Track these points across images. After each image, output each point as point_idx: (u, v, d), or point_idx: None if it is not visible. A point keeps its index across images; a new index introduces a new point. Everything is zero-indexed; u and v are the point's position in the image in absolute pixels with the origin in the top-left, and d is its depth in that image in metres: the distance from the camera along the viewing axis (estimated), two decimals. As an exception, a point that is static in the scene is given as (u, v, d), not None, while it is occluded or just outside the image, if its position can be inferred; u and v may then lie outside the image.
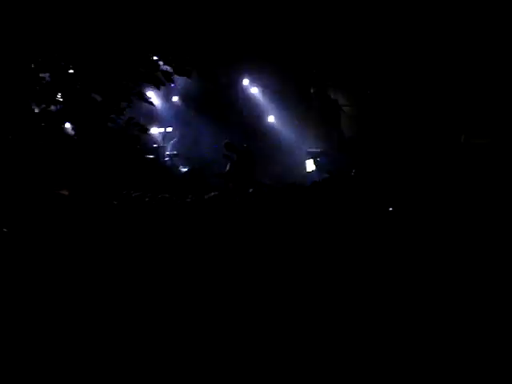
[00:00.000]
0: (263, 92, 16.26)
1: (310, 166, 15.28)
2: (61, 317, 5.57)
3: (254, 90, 16.59)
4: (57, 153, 7.45)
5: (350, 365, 4.73)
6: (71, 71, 7.67)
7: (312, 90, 15.77)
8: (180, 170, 15.30)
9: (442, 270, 6.16)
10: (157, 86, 7.95)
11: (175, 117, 17.14)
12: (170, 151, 16.23)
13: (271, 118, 16.64)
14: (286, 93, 15.81)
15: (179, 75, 7.90)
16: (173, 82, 8.10)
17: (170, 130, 17.30)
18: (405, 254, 6.60)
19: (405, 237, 7.03)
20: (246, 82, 16.50)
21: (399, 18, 12.09)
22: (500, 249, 6.37)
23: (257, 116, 16.74)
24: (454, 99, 11.81)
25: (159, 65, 7.85)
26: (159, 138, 16.72)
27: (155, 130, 16.70)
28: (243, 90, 16.72)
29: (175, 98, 17.02)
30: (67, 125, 8.03)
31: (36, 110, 7.70)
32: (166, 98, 16.93)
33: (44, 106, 7.60)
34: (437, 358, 4.67)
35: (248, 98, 16.71)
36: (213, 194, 8.56)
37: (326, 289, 6.06)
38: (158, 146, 15.96)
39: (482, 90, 11.54)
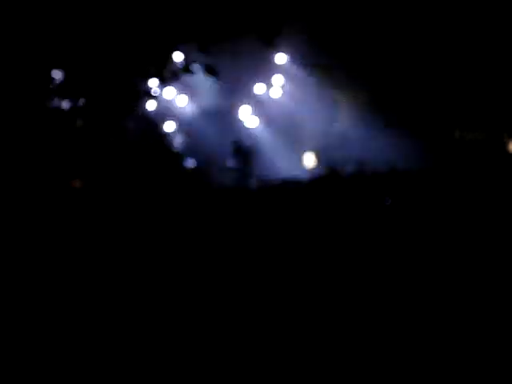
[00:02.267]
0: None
1: (310, 161, 15.14)
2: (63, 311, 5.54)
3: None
4: (69, 147, 7.66)
5: (349, 364, 4.68)
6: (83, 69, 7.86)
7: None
8: (185, 166, 15.32)
9: (438, 266, 6.15)
10: (163, 81, 8.18)
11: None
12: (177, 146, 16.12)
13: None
14: None
15: (187, 72, 8.12)
16: (178, 78, 8.32)
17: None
18: (403, 249, 6.65)
19: (402, 232, 7.13)
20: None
21: (394, 14, 12.14)
22: (498, 243, 6.39)
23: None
24: (448, 94, 11.82)
25: (166, 63, 8.07)
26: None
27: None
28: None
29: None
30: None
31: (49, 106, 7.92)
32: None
33: (57, 102, 7.83)
34: (437, 358, 4.63)
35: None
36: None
37: (324, 285, 6.04)
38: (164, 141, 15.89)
39: (477, 85, 11.55)
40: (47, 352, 4.96)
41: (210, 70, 8.64)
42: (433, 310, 5.39)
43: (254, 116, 16.55)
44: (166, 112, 16.07)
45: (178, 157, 14.04)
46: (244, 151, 15.07)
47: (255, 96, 16.73)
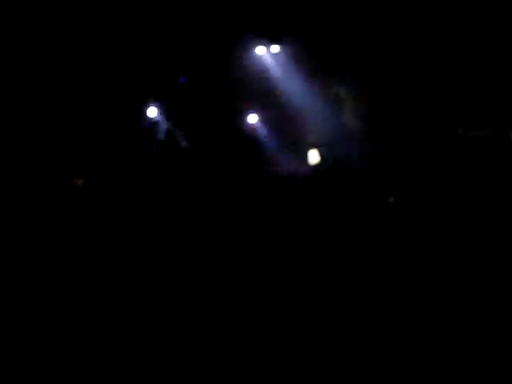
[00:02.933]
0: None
1: (314, 156, 15.14)
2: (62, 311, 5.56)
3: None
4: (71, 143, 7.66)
5: (349, 365, 4.69)
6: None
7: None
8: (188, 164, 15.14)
9: (441, 264, 6.16)
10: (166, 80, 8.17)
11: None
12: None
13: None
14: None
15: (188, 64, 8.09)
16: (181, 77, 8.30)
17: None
18: (405, 247, 6.66)
19: (405, 229, 7.14)
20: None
21: (399, 11, 12.13)
22: (500, 242, 6.39)
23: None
24: (451, 91, 11.81)
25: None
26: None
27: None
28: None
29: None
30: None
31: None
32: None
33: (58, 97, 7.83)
34: (436, 358, 4.64)
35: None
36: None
37: (326, 285, 6.06)
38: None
39: (480, 82, 11.53)
40: (47, 351, 5.01)
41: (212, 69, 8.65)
42: (433, 306, 5.43)
43: (256, 112, 16.61)
44: (166, 110, 16.08)
45: (180, 155, 14.06)
46: (247, 148, 15.09)
47: (258, 93, 16.80)
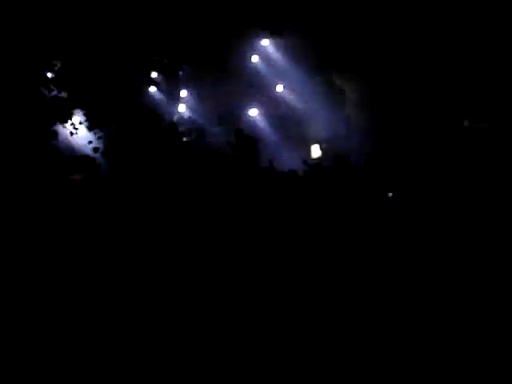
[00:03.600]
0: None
1: (316, 151, 15.23)
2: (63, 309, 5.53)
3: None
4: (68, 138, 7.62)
5: (349, 364, 4.67)
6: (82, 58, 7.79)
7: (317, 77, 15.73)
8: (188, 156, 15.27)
9: (443, 260, 6.13)
10: (166, 73, 8.13)
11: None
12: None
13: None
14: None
15: (188, 64, 8.08)
16: (181, 70, 8.27)
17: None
18: (405, 244, 6.61)
19: (405, 225, 7.08)
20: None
21: (404, 3, 12.12)
22: (502, 238, 6.34)
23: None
24: (457, 84, 11.81)
25: (169, 54, 8.01)
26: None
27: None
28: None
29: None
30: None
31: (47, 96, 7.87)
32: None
33: (55, 92, 7.79)
34: (436, 358, 4.63)
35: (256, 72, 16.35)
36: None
37: (325, 282, 6.04)
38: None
39: (486, 74, 11.54)
40: (46, 350, 4.95)
41: (215, 62, 8.58)
42: (432, 300, 5.39)
43: (258, 107, 16.58)
44: (167, 104, 16.15)
45: (181, 147, 14.04)
46: (249, 142, 15.07)
47: (260, 88, 16.75)
